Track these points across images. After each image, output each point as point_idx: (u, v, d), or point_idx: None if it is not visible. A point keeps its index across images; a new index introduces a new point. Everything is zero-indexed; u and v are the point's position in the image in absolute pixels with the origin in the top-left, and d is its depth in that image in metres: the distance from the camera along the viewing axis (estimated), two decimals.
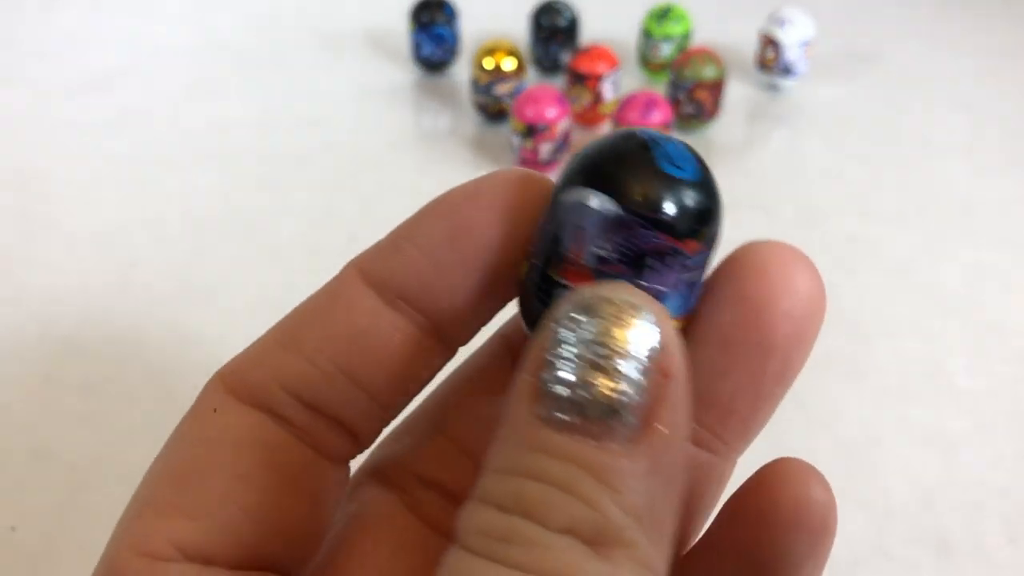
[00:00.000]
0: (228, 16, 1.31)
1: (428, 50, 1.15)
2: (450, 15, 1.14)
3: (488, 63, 1.03)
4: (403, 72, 1.18)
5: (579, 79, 1.03)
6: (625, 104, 0.95)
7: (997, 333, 0.81)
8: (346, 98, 1.13)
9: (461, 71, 1.17)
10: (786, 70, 1.12)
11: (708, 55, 1.03)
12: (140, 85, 1.15)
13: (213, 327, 0.80)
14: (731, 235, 0.85)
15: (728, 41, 1.24)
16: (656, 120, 0.94)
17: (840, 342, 0.79)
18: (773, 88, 1.16)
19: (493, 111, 1.06)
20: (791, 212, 0.95)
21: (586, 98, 1.04)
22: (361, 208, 0.94)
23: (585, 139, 1.04)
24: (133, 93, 1.13)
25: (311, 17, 1.31)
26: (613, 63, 1.03)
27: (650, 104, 0.94)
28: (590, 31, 1.23)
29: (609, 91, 1.04)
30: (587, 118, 1.06)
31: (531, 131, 0.95)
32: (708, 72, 1.02)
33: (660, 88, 1.13)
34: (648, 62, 1.15)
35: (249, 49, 1.23)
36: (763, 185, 0.99)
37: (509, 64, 1.03)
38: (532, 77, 1.15)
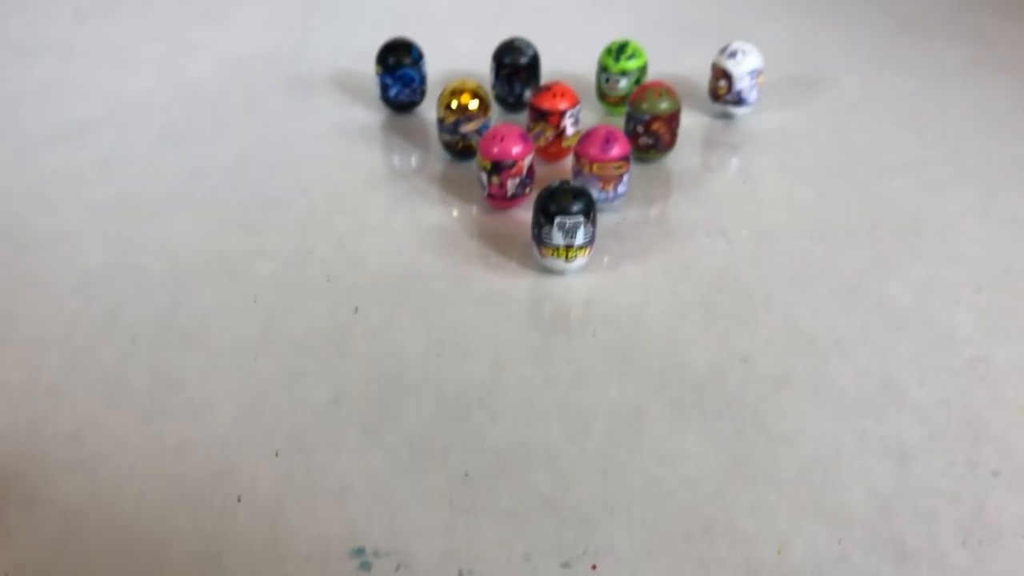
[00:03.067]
0: (201, 64, 1.34)
1: (395, 91, 1.18)
2: (416, 57, 1.18)
3: (453, 103, 1.07)
4: (372, 112, 1.22)
5: (542, 116, 1.07)
6: (585, 139, 0.99)
7: (946, 345, 0.85)
8: (317, 140, 1.16)
9: (428, 110, 1.20)
10: (738, 100, 1.17)
11: (663, 89, 1.07)
12: (117, 133, 1.17)
13: (196, 370, 0.82)
14: (693, 259, 0.89)
15: (682, 72, 1.30)
16: (615, 154, 0.98)
17: (797, 361, 0.83)
18: (726, 116, 1.20)
19: (460, 149, 1.10)
20: (747, 235, 0.99)
21: (549, 133, 1.08)
22: (336, 247, 0.97)
23: (551, 173, 1.08)
24: (110, 141, 1.16)
25: (282, 62, 1.35)
26: (574, 100, 1.08)
27: (609, 138, 0.98)
28: (551, 67, 1.27)
29: (571, 127, 1.08)
30: (550, 153, 1.10)
31: (497, 168, 0.99)
32: (663, 105, 1.07)
33: (618, 121, 1.17)
34: (606, 96, 1.19)
35: (222, 95, 1.26)
36: (720, 211, 1.03)
37: (474, 104, 1.07)
38: (496, 114, 1.19)
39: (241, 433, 0.76)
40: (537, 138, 1.08)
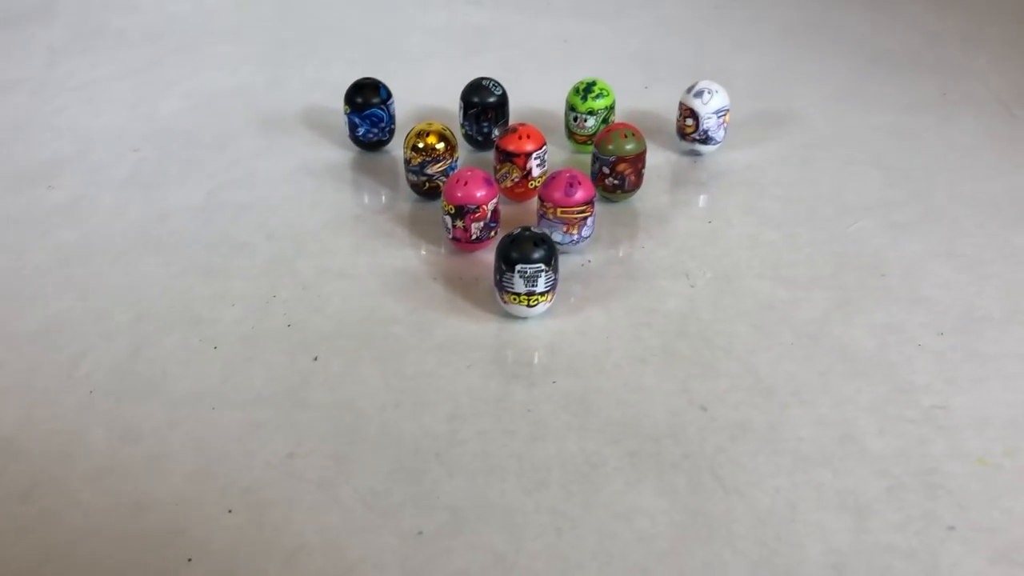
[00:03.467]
0: (172, 101, 1.34)
1: (363, 130, 1.19)
2: (384, 97, 1.18)
3: (419, 144, 1.07)
4: (341, 151, 1.22)
5: (508, 157, 1.07)
6: (549, 183, 0.99)
7: (906, 393, 0.85)
8: (286, 179, 1.16)
9: (397, 147, 1.21)
10: (704, 138, 1.18)
11: (629, 131, 1.08)
12: (86, 174, 1.17)
13: (153, 422, 0.82)
14: (656, 302, 0.89)
15: (652, 107, 1.30)
16: (579, 198, 0.98)
17: (756, 410, 0.83)
18: (693, 154, 1.21)
19: (426, 189, 1.10)
20: (711, 277, 0.99)
21: (515, 175, 1.08)
22: (299, 292, 0.97)
23: (516, 213, 1.08)
24: (80, 182, 1.15)
25: (253, 99, 1.35)
26: (540, 142, 1.08)
27: (573, 183, 0.98)
28: (521, 102, 1.27)
29: (536, 168, 1.09)
30: (517, 193, 1.10)
31: (461, 212, 0.99)
32: (629, 147, 1.07)
33: (586, 158, 1.17)
34: (574, 134, 1.20)
35: (193, 134, 1.26)
36: (684, 251, 1.03)
37: (440, 145, 1.08)
38: (464, 152, 1.19)
39: (196, 489, 0.76)
40: (503, 179, 1.09)
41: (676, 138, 1.21)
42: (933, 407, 0.83)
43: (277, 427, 0.81)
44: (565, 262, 1.00)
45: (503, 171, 1.08)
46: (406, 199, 1.12)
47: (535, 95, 1.32)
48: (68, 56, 1.46)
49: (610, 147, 1.07)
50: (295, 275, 1.00)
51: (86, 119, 1.29)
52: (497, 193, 1.01)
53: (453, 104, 1.22)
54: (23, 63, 1.44)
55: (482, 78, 1.18)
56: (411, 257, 1.03)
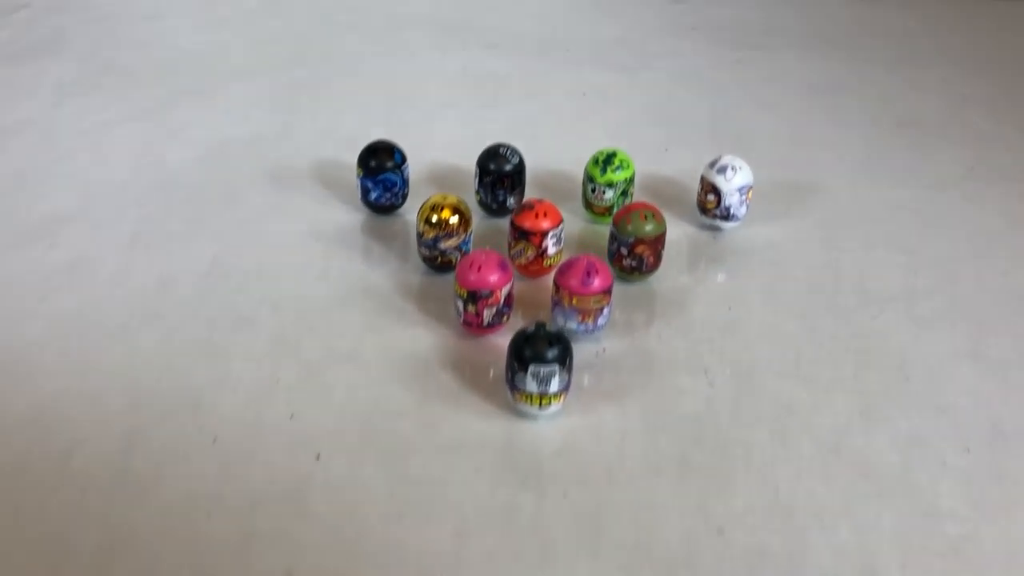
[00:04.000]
0: (180, 151, 1.31)
1: (376, 195, 1.15)
2: (399, 161, 1.14)
3: (433, 218, 1.04)
4: (352, 212, 1.19)
5: (523, 235, 1.04)
6: (565, 270, 0.96)
7: (932, 520, 0.82)
8: (295, 244, 1.13)
9: (411, 211, 1.17)
10: (726, 215, 1.14)
11: (649, 212, 1.04)
12: (88, 232, 1.14)
13: (146, 529, 0.79)
14: (672, 403, 0.85)
15: (672, 173, 1.26)
16: (596, 287, 0.95)
17: (774, 535, 0.80)
18: (714, 229, 1.17)
19: (439, 264, 1.07)
20: (728, 375, 0.96)
21: (530, 253, 1.05)
22: (303, 378, 0.94)
23: (529, 292, 1.05)
24: (81, 240, 1.12)
25: (264, 149, 1.32)
26: (556, 220, 1.05)
27: (590, 271, 0.95)
28: (538, 159, 1.23)
29: (552, 246, 1.05)
30: (531, 270, 1.06)
31: (473, 297, 0.96)
32: (648, 228, 1.04)
33: (604, 230, 1.14)
34: (592, 205, 1.16)
35: (200, 188, 1.23)
36: (703, 343, 1.00)
37: (454, 219, 1.04)
38: (477, 218, 1.16)
39: None
40: (518, 256, 1.05)
41: (695, 209, 1.18)
42: (960, 537, 0.80)
43: (275, 539, 0.78)
44: (579, 350, 0.96)
45: (518, 248, 1.05)
46: (416, 270, 1.09)
47: (552, 154, 1.29)
48: (76, 95, 1.43)
49: (629, 228, 1.04)
50: (300, 357, 0.97)
51: (92, 168, 1.26)
52: (511, 278, 0.97)
53: (466, 161, 1.19)
54: (31, 101, 1.41)
55: (499, 145, 1.15)
56: (420, 338, 0.99)
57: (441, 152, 1.29)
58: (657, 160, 1.30)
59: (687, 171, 1.25)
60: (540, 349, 0.86)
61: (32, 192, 1.21)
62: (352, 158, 1.16)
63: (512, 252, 1.06)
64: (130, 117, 1.38)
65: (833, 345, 1.00)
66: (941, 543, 0.80)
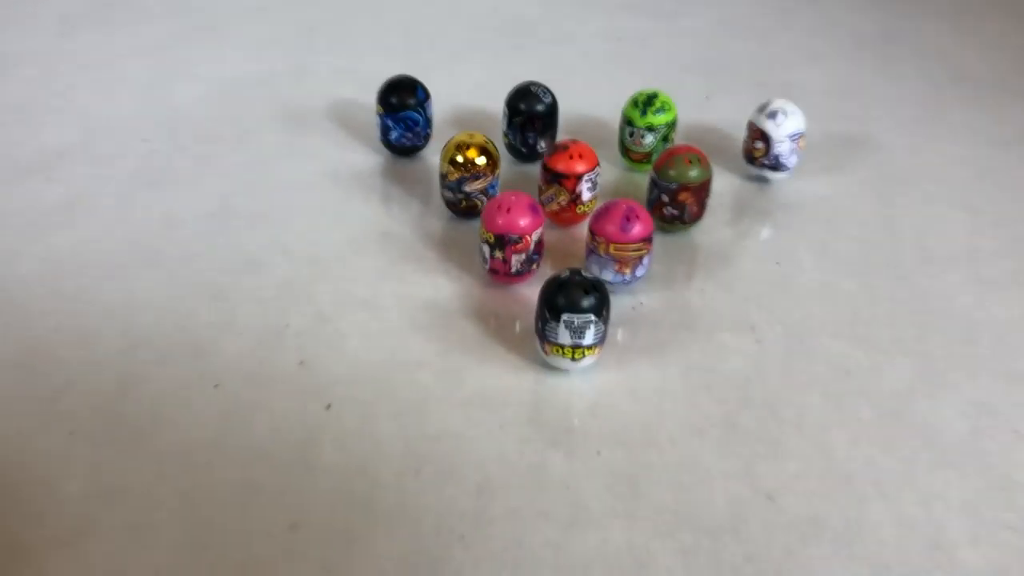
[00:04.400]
0: (189, 87, 1.23)
1: (397, 134, 1.07)
2: (421, 98, 1.06)
3: (458, 158, 0.96)
4: (371, 154, 1.11)
5: (556, 179, 0.96)
6: (602, 215, 0.88)
7: (1004, 492, 0.74)
8: (309, 186, 1.06)
9: (434, 153, 1.09)
10: (775, 164, 1.06)
11: (694, 156, 0.96)
12: (89, 166, 1.07)
13: (138, 477, 0.72)
14: (716, 361, 0.77)
15: (715, 122, 1.18)
16: (635, 234, 0.87)
17: (830, 502, 0.72)
18: (761, 180, 1.09)
19: (463, 208, 0.99)
20: (779, 332, 0.88)
21: (563, 199, 0.97)
22: (313, 323, 0.87)
23: (561, 242, 0.97)
24: (81, 177, 1.05)
25: (278, 88, 1.24)
26: (592, 162, 0.96)
27: (630, 216, 0.87)
28: (570, 107, 1.16)
29: (587, 192, 0.97)
30: (563, 218, 0.98)
31: (501, 242, 0.88)
32: (693, 174, 0.95)
33: (642, 179, 1.06)
34: (629, 151, 1.08)
35: (210, 126, 1.16)
36: (750, 299, 0.92)
37: (481, 160, 0.96)
38: (505, 164, 1.08)
39: (182, 563, 0.66)
40: (549, 202, 0.97)
41: (742, 160, 1.09)
42: None
43: (280, 491, 0.71)
44: (614, 303, 0.89)
45: (549, 193, 0.97)
46: (440, 216, 1.01)
47: (585, 100, 1.21)
48: (82, 28, 1.35)
49: (672, 172, 0.95)
50: (312, 302, 0.89)
51: (95, 101, 1.19)
52: (543, 222, 0.89)
53: (494, 105, 1.11)
54: (33, 33, 1.34)
55: (531, 83, 1.06)
56: (442, 287, 0.92)
57: (466, 96, 1.21)
58: (699, 109, 1.21)
59: (731, 120, 1.16)
60: (575, 296, 0.78)
61: (31, 125, 1.14)
62: (372, 100, 1.08)
63: (543, 197, 0.98)
64: (138, 52, 1.30)
65: (892, 306, 0.92)
66: (1016, 517, 0.72)
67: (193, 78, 1.25)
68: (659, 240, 0.98)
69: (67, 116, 1.16)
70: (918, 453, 0.77)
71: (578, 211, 0.98)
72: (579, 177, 0.96)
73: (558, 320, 0.78)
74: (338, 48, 1.35)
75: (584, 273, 0.80)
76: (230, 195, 1.03)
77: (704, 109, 1.21)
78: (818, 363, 0.85)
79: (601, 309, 0.79)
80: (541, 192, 0.98)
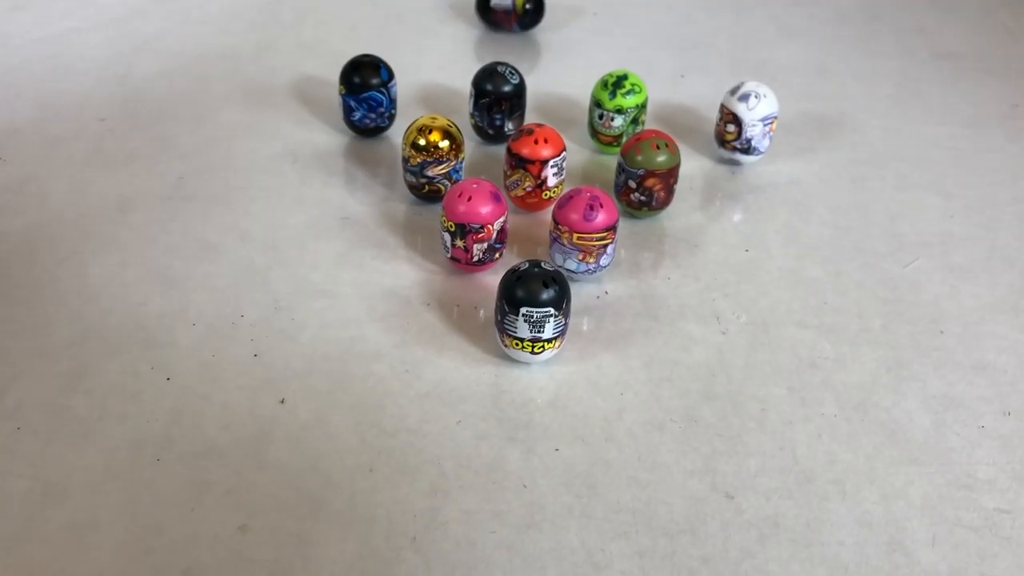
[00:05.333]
0: (149, 62, 1.19)
1: (359, 115, 1.04)
2: (385, 78, 1.03)
3: (420, 141, 0.93)
4: (334, 135, 1.08)
5: (521, 163, 0.94)
6: (565, 203, 0.86)
7: (966, 490, 0.73)
8: (268, 167, 1.03)
9: (398, 134, 1.06)
10: (747, 147, 1.03)
11: (662, 140, 0.93)
12: (42, 146, 1.04)
13: (84, 475, 0.70)
14: (680, 352, 0.75)
15: (687, 101, 1.16)
16: (599, 223, 0.85)
17: (790, 502, 0.71)
18: (732, 163, 1.07)
19: (425, 192, 0.96)
20: (743, 323, 0.86)
21: (528, 183, 0.94)
22: (270, 314, 0.85)
23: (525, 227, 0.95)
24: (34, 158, 1.02)
25: (240, 64, 1.20)
26: (559, 147, 0.94)
27: (593, 205, 0.85)
28: (540, 87, 1.13)
29: (553, 177, 0.95)
30: (529, 203, 0.96)
31: (463, 230, 0.86)
32: (660, 159, 0.93)
33: (610, 160, 1.04)
34: (599, 134, 1.05)
35: (168, 104, 1.12)
36: (716, 287, 0.90)
37: (444, 143, 0.94)
38: (471, 145, 1.06)
39: (124, 567, 0.64)
40: (515, 187, 0.95)
41: (713, 141, 1.07)
42: (997, 511, 0.71)
43: (229, 490, 0.70)
44: (578, 292, 0.87)
45: (514, 178, 0.95)
46: (402, 199, 0.99)
47: (556, 78, 1.18)
48: None
49: (639, 158, 0.93)
50: (268, 290, 0.87)
51: (50, 78, 1.15)
52: (505, 211, 0.87)
53: (461, 83, 1.08)
54: None
55: (497, 63, 1.03)
56: (403, 274, 0.90)
57: (434, 73, 1.18)
58: (672, 87, 1.19)
59: (705, 99, 1.14)
60: (534, 290, 0.76)
61: None
62: (336, 76, 1.04)
63: (508, 182, 0.95)
64: (96, 25, 1.26)
65: (860, 294, 0.90)
66: (976, 516, 0.71)
67: (152, 53, 1.21)
68: (627, 225, 0.96)
69: (20, 92, 1.12)
70: (881, 449, 0.76)
71: (544, 196, 0.96)
72: (544, 162, 0.93)
73: (517, 313, 0.76)
74: (304, 23, 1.31)
75: (544, 265, 0.78)
76: (186, 176, 1.00)
77: (678, 88, 1.19)
78: (783, 354, 0.84)
79: (561, 302, 0.77)
80: (507, 176, 0.96)
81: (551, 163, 0.94)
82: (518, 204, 0.97)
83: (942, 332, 0.87)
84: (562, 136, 0.95)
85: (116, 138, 1.06)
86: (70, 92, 1.13)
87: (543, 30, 1.31)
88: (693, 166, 1.06)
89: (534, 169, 0.93)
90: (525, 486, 0.71)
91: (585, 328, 0.85)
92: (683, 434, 0.76)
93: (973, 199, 1.04)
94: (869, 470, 0.74)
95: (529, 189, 0.95)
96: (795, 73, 1.25)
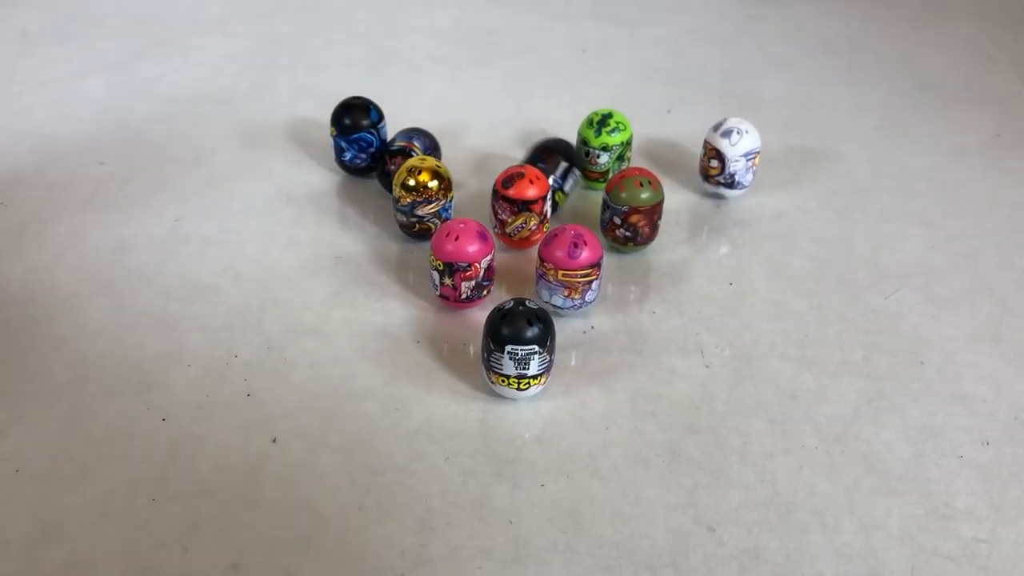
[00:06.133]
0: (147, 104, 1.23)
1: (350, 156, 1.07)
2: (375, 119, 1.06)
3: (410, 182, 0.96)
4: (327, 174, 1.11)
5: (524, 206, 0.95)
6: (550, 241, 0.88)
7: (944, 520, 0.74)
8: (263, 207, 1.05)
9: None
10: (730, 182, 1.06)
11: (645, 178, 0.96)
12: (42, 190, 1.06)
13: (81, 516, 0.72)
14: (664, 386, 0.77)
15: (674, 135, 1.18)
16: (584, 260, 0.87)
17: (771, 534, 0.72)
18: (717, 197, 1.09)
19: (416, 231, 0.99)
20: (727, 357, 0.88)
21: (533, 223, 0.96)
22: (263, 354, 0.87)
23: (514, 262, 0.97)
24: (35, 203, 1.04)
25: (236, 106, 1.23)
26: (545, 180, 0.96)
27: (577, 243, 0.87)
28: (531, 124, 1.16)
29: (549, 211, 0.98)
30: (532, 241, 0.97)
31: (451, 269, 0.88)
32: (644, 196, 0.95)
33: (597, 196, 1.06)
34: (586, 171, 1.08)
35: (166, 146, 1.15)
36: (699, 321, 0.92)
37: (433, 183, 0.96)
38: (464, 179, 1.08)
39: None
40: (519, 231, 0.97)
41: (698, 176, 1.09)
42: (975, 540, 0.73)
43: (222, 529, 0.71)
44: (564, 327, 0.89)
45: (518, 223, 0.96)
46: (394, 238, 1.01)
47: (546, 114, 1.21)
48: (41, 44, 1.35)
49: (623, 195, 0.95)
50: (261, 330, 0.89)
51: (52, 123, 1.18)
52: (492, 249, 0.89)
53: (452, 122, 1.10)
54: None
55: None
56: (394, 312, 0.92)
57: (424, 111, 1.21)
58: (659, 122, 1.21)
59: (691, 134, 1.16)
60: (518, 328, 0.78)
61: None
62: (329, 118, 1.07)
63: (510, 229, 0.97)
64: (97, 69, 1.29)
65: (842, 326, 0.92)
66: (955, 546, 0.72)
67: (151, 96, 1.24)
68: (613, 260, 0.98)
69: (23, 138, 1.15)
70: (860, 480, 0.77)
71: (545, 229, 0.98)
72: (543, 198, 0.96)
73: (502, 351, 0.78)
74: (299, 63, 1.34)
75: (529, 303, 0.80)
76: (182, 218, 1.03)
77: (665, 122, 1.21)
78: (765, 387, 0.85)
79: (545, 339, 0.79)
80: (507, 225, 0.97)
81: (547, 196, 0.96)
82: (520, 246, 0.98)
83: (922, 363, 0.88)
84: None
85: (115, 181, 1.09)
86: (70, 136, 1.16)
87: (534, 67, 1.34)
88: (679, 200, 1.08)
89: (537, 208, 0.95)
90: (511, 522, 0.73)
91: (572, 363, 0.87)
92: (667, 468, 0.77)
93: (955, 229, 1.06)
94: (849, 501, 0.75)
95: (534, 228, 0.97)
96: (780, 105, 1.27)
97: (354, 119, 1.05)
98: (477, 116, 1.21)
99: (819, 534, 0.73)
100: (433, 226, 0.98)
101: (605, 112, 1.05)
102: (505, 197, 0.95)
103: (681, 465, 0.78)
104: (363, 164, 1.08)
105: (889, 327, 0.92)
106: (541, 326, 0.79)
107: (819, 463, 0.78)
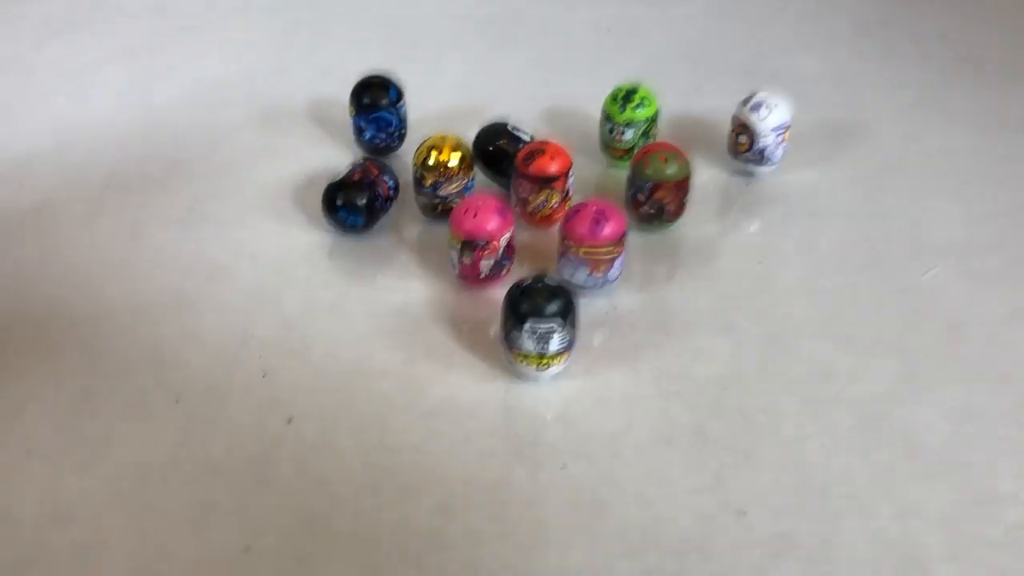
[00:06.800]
0: (167, 90, 1.21)
1: (370, 135, 1.05)
2: (394, 98, 1.04)
3: (431, 160, 0.93)
4: (347, 154, 1.09)
5: (546, 183, 0.92)
6: (572, 216, 0.85)
7: (985, 504, 0.71)
8: (281, 188, 1.03)
9: (409, 152, 1.06)
10: (760, 158, 1.02)
11: (671, 152, 0.93)
12: (61, 173, 1.05)
13: (93, 496, 0.71)
14: (690, 365, 0.73)
15: (702, 113, 1.14)
16: (606, 235, 0.84)
17: (802, 518, 0.69)
18: (747, 174, 1.05)
19: (439, 212, 0.96)
20: (757, 335, 0.85)
21: (555, 199, 0.93)
22: (279, 333, 0.85)
23: (535, 239, 0.94)
24: (51, 184, 1.04)
25: (256, 89, 1.21)
26: (568, 156, 0.93)
27: (599, 218, 0.84)
28: (554, 102, 1.13)
29: (571, 186, 0.95)
30: (554, 219, 0.94)
31: (469, 246, 0.86)
32: (670, 171, 0.92)
33: (623, 174, 1.03)
34: (610, 147, 1.05)
35: (185, 129, 1.14)
36: (729, 299, 0.89)
37: (454, 161, 0.94)
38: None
39: None
40: (541, 208, 0.94)
41: (724, 156, 1.06)
42: (1017, 525, 0.69)
43: (234, 510, 0.70)
44: (588, 306, 0.86)
45: (540, 200, 0.94)
46: (415, 218, 0.99)
47: (570, 94, 1.18)
48: (62, 32, 1.34)
49: (648, 170, 0.92)
50: (278, 310, 0.88)
51: (72, 108, 1.17)
52: (512, 226, 0.87)
53: (473, 103, 1.08)
54: (14, 40, 1.32)
55: (504, 124, 1.01)
56: (413, 290, 0.90)
57: (444, 94, 1.18)
58: (687, 99, 1.18)
59: (720, 111, 1.12)
60: (538, 303, 0.76)
61: (8, 130, 1.13)
62: (348, 99, 1.05)
63: (531, 208, 0.94)
64: (117, 55, 1.29)
65: (877, 304, 0.89)
66: (997, 531, 0.69)
67: (171, 81, 1.23)
68: (641, 238, 0.95)
69: (42, 123, 1.15)
70: (897, 463, 0.74)
71: (567, 207, 0.95)
72: (566, 173, 0.93)
73: (522, 328, 0.76)
74: (319, 47, 1.32)
75: (547, 279, 0.77)
76: (200, 199, 1.02)
77: (693, 99, 1.18)
78: (797, 366, 0.82)
79: (566, 315, 0.76)
80: (528, 203, 0.94)
81: (569, 172, 0.93)
82: (543, 224, 0.96)
83: (960, 341, 0.85)
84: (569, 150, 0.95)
85: (132, 164, 1.08)
86: (90, 120, 1.15)
87: (558, 47, 1.31)
88: (707, 177, 1.04)
89: (559, 184, 0.93)
90: (531, 505, 0.70)
91: (596, 342, 0.84)
92: (693, 449, 0.75)
93: (994, 206, 1.01)
94: (885, 485, 0.72)
95: (556, 205, 0.94)
96: (812, 82, 1.23)
97: (373, 98, 1.03)
98: (501, 95, 1.18)
99: (854, 518, 0.70)
100: (454, 204, 0.95)
101: (630, 87, 1.02)
102: (526, 175, 0.92)
103: (708, 446, 0.75)
104: (383, 144, 1.05)
105: (926, 305, 0.88)
106: (562, 301, 0.76)
107: (853, 445, 0.75)
